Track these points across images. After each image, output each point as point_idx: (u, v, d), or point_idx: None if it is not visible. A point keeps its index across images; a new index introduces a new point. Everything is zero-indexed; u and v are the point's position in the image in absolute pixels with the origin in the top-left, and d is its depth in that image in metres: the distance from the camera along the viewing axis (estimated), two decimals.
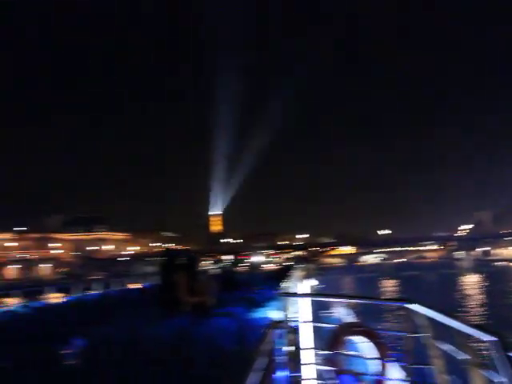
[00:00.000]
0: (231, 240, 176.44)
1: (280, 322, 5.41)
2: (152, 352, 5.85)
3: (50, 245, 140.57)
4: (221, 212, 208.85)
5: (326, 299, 8.45)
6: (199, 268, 10.58)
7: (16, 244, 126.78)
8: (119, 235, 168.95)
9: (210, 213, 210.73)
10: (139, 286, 22.37)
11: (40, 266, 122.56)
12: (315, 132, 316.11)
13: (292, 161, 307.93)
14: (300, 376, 5.16)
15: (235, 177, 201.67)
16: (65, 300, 14.72)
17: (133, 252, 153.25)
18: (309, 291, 13.34)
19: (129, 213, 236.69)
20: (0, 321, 9.49)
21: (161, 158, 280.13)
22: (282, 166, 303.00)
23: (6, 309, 11.85)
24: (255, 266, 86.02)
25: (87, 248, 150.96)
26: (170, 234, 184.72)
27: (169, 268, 9.27)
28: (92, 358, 5.86)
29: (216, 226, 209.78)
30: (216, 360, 5.50)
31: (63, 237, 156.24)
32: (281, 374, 4.64)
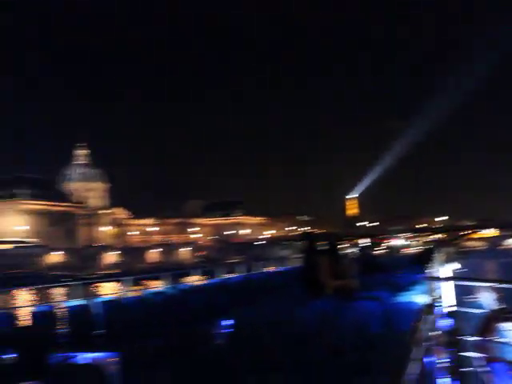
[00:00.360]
0: (367, 223, 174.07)
1: (429, 306, 5.54)
2: (297, 334, 5.93)
3: (189, 229, 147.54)
4: (357, 195, 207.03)
5: (474, 283, 8.30)
6: (340, 251, 9.94)
7: (157, 229, 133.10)
8: (256, 219, 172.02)
9: (346, 196, 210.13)
10: (278, 269, 22.27)
11: (180, 249, 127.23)
12: None
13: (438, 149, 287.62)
14: (450, 362, 5.17)
15: (372, 162, 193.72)
16: (209, 282, 15.09)
17: (269, 236, 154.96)
18: (451, 275, 12.92)
19: (266, 198, 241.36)
20: (153, 301, 9.89)
21: (301, 145, 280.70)
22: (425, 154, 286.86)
23: (156, 290, 12.48)
24: (394, 250, 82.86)
25: (225, 232, 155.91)
26: (305, 218, 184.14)
27: (311, 251, 9.26)
28: (238, 339, 6.08)
29: (352, 209, 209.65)
30: (365, 344, 5.44)
31: (202, 222, 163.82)
32: (431, 359, 4.63)
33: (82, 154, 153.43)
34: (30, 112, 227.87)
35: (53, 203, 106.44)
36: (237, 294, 10.95)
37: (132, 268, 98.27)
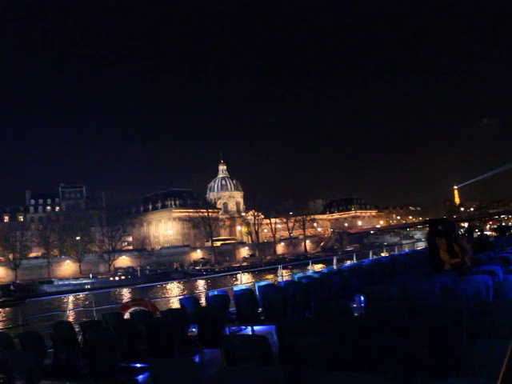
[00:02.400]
0: (471, 209, 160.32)
1: None
2: (422, 304, 5.95)
3: (312, 225, 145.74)
4: (461, 185, 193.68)
5: None
6: (456, 233, 9.52)
7: (284, 226, 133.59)
8: (370, 212, 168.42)
9: (454, 187, 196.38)
10: (400, 252, 22.41)
11: (306, 242, 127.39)
12: None
13: None
14: None
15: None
16: (342, 267, 15.43)
17: (381, 226, 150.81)
18: None
19: (379, 191, 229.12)
20: (302, 283, 10.13)
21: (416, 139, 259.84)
22: None
23: (301, 274, 12.78)
24: (504, 229, 73.25)
25: (344, 224, 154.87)
26: (415, 209, 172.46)
27: (432, 234, 9.34)
28: (374, 310, 6.07)
29: (456, 198, 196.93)
30: (481, 311, 5.40)
31: (323, 217, 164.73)
32: None
33: (221, 168, 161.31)
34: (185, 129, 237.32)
35: (197, 210, 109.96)
36: (368, 274, 11.03)
37: (262, 259, 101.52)
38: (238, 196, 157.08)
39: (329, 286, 9.25)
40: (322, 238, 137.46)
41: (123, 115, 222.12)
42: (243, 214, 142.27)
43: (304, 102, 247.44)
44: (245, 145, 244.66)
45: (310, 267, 17.77)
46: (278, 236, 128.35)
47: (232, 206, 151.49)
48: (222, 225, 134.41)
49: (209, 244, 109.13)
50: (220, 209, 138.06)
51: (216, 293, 9.88)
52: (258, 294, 9.38)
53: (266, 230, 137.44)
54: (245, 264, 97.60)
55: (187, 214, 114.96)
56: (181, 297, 10.32)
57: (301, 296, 8.63)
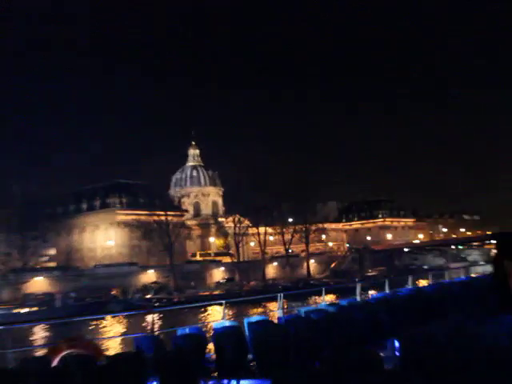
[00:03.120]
0: None
1: None
2: (487, 356, 6.13)
3: (320, 237, 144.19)
4: None
5: None
6: None
7: (279, 237, 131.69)
8: (405, 221, 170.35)
9: None
10: (449, 280, 23.97)
11: (310, 260, 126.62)
12: None
13: None
14: None
15: None
16: (369, 298, 16.34)
17: (420, 241, 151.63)
18: None
19: (418, 192, 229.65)
20: (311, 320, 10.89)
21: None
22: None
23: (310, 308, 13.46)
24: None
25: (366, 237, 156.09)
26: (471, 218, 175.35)
27: (502, 255, 9.63)
28: (411, 363, 6.42)
29: None
30: None
31: (337, 227, 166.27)
32: None
33: (192, 153, 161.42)
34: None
35: (153, 213, 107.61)
36: (403, 310, 11.88)
37: (242, 286, 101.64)
38: (215, 194, 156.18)
39: (349, 325, 9.83)
40: (333, 256, 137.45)
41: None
42: (222, 219, 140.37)
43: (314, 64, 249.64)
44: (226, 123, 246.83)
45: (321, 298, 18.27)
46: (269, 252, 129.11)
47: (206, 208, 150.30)
48: (189, 234, 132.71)
49: (167, 262, 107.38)
50: (186, 211, 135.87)
51: (187, 331, 10.29)
52: (247, 333, 9.83)
53: (252, 244, 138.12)
54: (217, 292, 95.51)
55: (138, 217, 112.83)
56: (136, 335, 10.66)
57: (309, 339, 9.19)
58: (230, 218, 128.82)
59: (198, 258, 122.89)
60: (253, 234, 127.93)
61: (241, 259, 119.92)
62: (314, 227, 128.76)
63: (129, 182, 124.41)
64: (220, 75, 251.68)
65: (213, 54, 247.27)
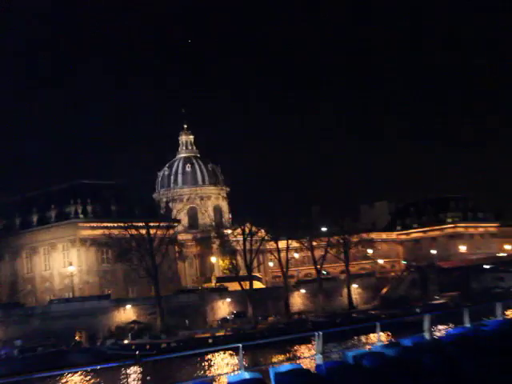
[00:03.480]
0: None
1: None
2: None
3: (367, 252, 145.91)
4: None
5: None
6: None
7: (307, 254, 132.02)
8: (485, 227, 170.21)
9: None
10: None
11: (353, 286, 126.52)
12: None
13: None
14: None
15: None
16: (443, 336, 16.97)
17: (508, 253, 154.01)
18: None
19: (499, 193, 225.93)
20: (364, 368, 11.72)
21: None
22: None
23: (361, 351, 13.99)
24: None
25: (430, 251, 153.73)
26: None
27: None
28: None
29: None
30: None
31: (389, 236, 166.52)
32: None
33: (184, 141, 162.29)
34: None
35: (130, 224, 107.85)
36: (492, 353, 12.17)
37: (257, 323, 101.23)
38: (218, 195, 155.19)
39: (417, 375, 10.68)
40: (384, 278, 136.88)
41: None
42: (227, 231, 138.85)
43: None
44: (228, 100, 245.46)
45: (376, 336, 18.35)
46: (294, 274, 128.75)
47: (205, 216, 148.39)
48: (182, 253, 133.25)
49: (152, 293, 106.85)
50: (178, 221, 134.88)
51: None
52: None
53: (271, 264, 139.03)
54: (222, 333, 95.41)
55: (109, 231, 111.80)
56: None
57: None
58: (239, 229, 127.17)
59: (195, 285, 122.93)
60: (271, 251, 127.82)
61: (255, 286, 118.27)
62: (355, 238, 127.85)
63: (96, 182, 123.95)
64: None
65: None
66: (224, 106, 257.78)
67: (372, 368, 11.19)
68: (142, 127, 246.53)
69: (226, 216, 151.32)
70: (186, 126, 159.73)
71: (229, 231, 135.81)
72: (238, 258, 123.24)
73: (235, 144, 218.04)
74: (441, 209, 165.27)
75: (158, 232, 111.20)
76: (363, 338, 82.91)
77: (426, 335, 17.20)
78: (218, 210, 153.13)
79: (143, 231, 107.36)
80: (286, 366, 11.79)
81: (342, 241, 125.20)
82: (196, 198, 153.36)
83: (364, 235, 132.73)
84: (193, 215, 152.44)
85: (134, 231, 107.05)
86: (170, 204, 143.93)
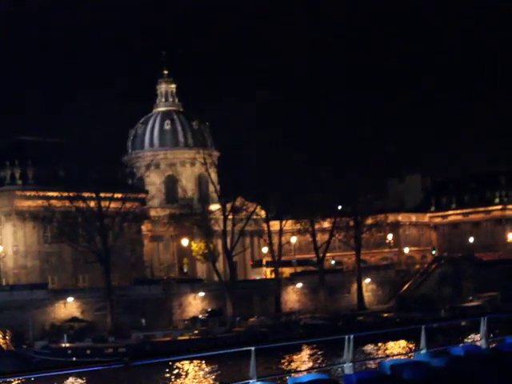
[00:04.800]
0: None
1: None
2: None
3: (388, 238, 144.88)
4: None
5: None
6: None
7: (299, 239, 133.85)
8: None
9: None
10: None
11: (365, 280, 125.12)
12: None
13: None
14: None
15: None
16: (502, 344, 17.69)
17: None
18: None
19: None
20: (408, 380, 12.45)
21: None
22: None
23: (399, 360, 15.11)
24: None
25: (469, 239, 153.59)
26: None
27: None
28: None
29: None
30: None
31: (421, 219, 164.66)
32: None
33: (164, 90, 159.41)
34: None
35: (78, 195, 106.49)
36: None
37: (232, 325, 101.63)
38: (205, 162, 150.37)
39: None
40: (404, 271, 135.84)
41: None
42: (214, 206, 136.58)
43: None
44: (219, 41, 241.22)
45: (420, 343, 18.39)
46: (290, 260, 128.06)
47: (187, 186, 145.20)
48: (153, 233, 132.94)
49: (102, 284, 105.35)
50: (145, 192, 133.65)
51: None
52: None
53: (265, 250, 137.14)
54: (186, 337, 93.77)
55: (56, 202, 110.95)
56: None
57: None
58: (229, 205, 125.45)
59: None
60: (275, 232, 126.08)
61: (239, 277, 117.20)
62: (370, 220, 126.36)
63: (40, 140, 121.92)
64: None
65: None
66: (215, 50, 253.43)
67: (414, 381, 11.68)
68: (109, 69, 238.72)
69: (213, 188, 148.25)
70: (166, 72, 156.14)
71: (216, 206, 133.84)
72: (212, 241, 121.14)
73: (229, 96, 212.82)
74: (488, 186, 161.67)
75: (115, 205, 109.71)
76: (369, 348, 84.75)
77: (482, 343, 17.51)
78: (203, 180, 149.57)
79: (93, 203, 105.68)
80: (308, 377, 12.31)
81: (352, 222, 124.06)
82: (176, 163, 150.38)
83: (381, 216, 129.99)
84: (171, 186, 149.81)
85: (80, 203, 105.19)
86: (143, 170, 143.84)
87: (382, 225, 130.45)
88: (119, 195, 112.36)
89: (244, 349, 14.73)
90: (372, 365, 21.31)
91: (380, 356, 71.99)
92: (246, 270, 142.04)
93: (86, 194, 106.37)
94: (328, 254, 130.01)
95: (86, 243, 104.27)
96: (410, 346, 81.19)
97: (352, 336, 15.33)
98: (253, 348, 13.25)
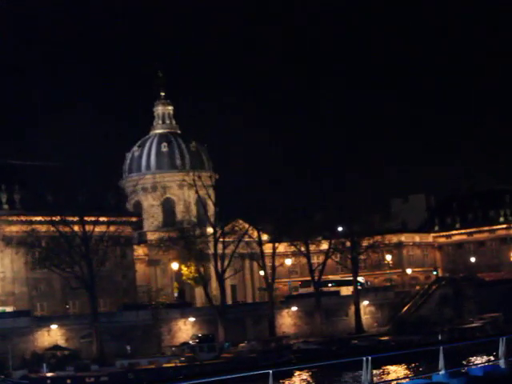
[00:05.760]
0: None
1: None
2: None
3: (387, 258, 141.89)
4: None
5: None
6: None
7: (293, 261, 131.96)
8: None
9: None
10: None
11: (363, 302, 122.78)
12: None
13: None
14: None
15: None
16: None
17: None
18: None
19: None
20: None
21: None
22: None
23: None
24: None
25: (471, 258, 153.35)
26: None
27: None
28: None
29: None
30: None
31: (425, 239, 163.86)
32: None
33: (161, 112, 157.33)
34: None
35: (63, 219, 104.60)
36: None
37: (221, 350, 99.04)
38: (203, 184, 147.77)
39: None
40: (404, 293, 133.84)
41: None
42: (209, 230, 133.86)
43: None
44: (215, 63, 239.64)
45: (439, 364, 19.47)
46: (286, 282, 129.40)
47: (185, 210, 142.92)
48: (149, 257, 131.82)
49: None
50: (139, 215, 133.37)
51: None
52: None
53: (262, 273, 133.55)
54: (172, 365, 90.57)
55: (44, 228, 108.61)
56: None
57: None
58: (228, 228, 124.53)
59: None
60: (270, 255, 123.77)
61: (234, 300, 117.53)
62: (366, 242, 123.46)
63: (28, 164, 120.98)
64: None
65: None
66: (214, 72, 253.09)
67: None
68: (105, 91, 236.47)
69: (211, 213, 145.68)
70: (163, 94, 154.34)
71: (209, 231, 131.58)
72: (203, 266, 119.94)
73: (228, 119, 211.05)
74: (492, 204, 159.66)
75: (102, 229, 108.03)
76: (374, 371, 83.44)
77: (501, 363, 17.55)
78: (201, 203, 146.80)
79: (75, 227, 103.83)
80: None
81: (349, 243, 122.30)
82: (173, 186, 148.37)
83: (377, 238, 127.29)
84: (169, 209, 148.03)
85: (64, 228, 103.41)
86: (140, 194, 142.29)
87: (379, 246, 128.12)
88: (105, 219, 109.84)
89: (229, 376, 14.78)
90: None
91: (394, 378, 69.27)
92: (246, 293, 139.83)
93: (72, 218, 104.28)
94: (330, 277, 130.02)
95: (69, 269, 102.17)
96: (407, 371, 79.61)
97: (370, 358, 16.11)
98: (270, 371, 14.11)
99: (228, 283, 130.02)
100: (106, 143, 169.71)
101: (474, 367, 17.84)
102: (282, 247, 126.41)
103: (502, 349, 18.37)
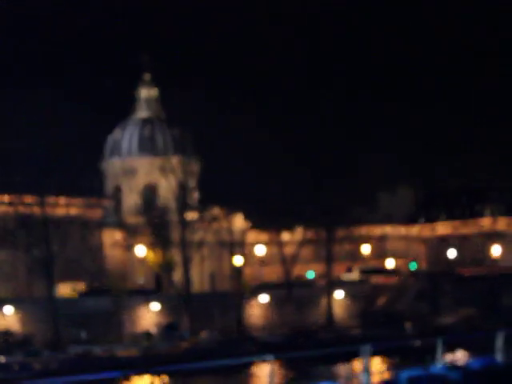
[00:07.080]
0: None
1: None
2: None
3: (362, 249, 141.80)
4: None
5: None
6: None
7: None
8: None
9: None
10: None
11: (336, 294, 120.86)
12: None
13: None
14: None
15: None
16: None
17: None
18: None
19: None
20: None
21: None
22: None
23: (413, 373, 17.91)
24: None
25: (448, 253, 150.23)
26: None
27: None
28: None
29: None
30: None
31: (409, 232, 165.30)
32: None
33: (144, 97, 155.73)
34: None
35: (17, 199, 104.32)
36: None
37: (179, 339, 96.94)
38: (185, 170, 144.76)
39: None
40: (380, 286, 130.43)
41: None
42: (192, 214, 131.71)
43: None
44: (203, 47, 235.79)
45: (442, 355, 22.10)
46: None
47: (167, 195, 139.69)
48: (127, 242, 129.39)
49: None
50: (106, 197, 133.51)
51: None
52: None
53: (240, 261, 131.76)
54: (125, 354, 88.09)
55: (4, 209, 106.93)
56: None
57: None
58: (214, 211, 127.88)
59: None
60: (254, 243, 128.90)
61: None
62: (341, 232, 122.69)
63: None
64: None
65: None
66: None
67: None
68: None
69: (191, 196, 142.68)
70: (148, 78, 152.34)
71: (194, 215, 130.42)
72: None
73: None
74: (478, 200, 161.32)
75: (67, 211, 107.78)
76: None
77: (498, 356, 20.47)
78: (183, 189, 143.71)
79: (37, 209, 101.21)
80: None
81: (323, 233, 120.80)
82: (155, 171, 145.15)
83: (355, 229, 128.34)
84: (150, 194, 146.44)
85: (22, 208, 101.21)
86: (120, 178, 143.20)
87: (356, 237, 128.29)
88: (75, 201, 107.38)
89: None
90: None
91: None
92: (223, 282, 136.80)
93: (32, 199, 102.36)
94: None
95: (27, 251, 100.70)
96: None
97: (369, 347, 19.06)
98: (271, 356, 21.98)
99: (207, 271, 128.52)
100: (92, 126, 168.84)
101: (471, 360, 19.40)
102: (261, 236, 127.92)
103: (499, 342, 20.43)
